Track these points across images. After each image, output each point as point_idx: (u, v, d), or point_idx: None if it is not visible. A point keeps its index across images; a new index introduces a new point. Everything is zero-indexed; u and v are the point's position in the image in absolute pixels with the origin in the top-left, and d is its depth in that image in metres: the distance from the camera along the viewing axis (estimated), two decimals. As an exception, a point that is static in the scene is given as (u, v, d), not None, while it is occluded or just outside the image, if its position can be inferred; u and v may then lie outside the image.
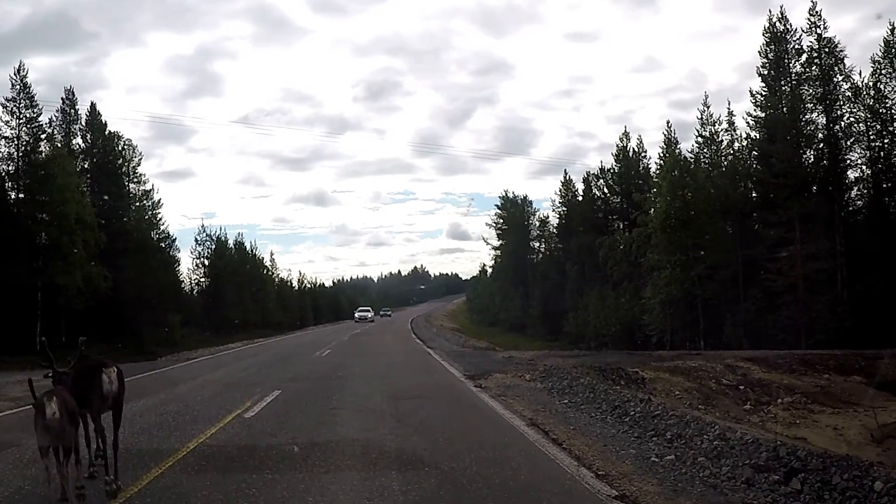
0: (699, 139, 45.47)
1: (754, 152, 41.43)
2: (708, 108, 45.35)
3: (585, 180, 62.61)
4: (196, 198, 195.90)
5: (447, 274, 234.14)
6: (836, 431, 15.92)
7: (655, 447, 8.42)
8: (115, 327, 41.89)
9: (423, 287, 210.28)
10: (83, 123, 49.05)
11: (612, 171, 58.85)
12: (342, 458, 7.85)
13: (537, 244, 79.54)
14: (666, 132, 51.08)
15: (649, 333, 43.34)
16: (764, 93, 38.89)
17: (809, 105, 36.54)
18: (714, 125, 45.08)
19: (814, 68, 36.43)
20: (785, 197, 34.14)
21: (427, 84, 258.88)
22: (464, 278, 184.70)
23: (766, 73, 38.77)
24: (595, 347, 51.48)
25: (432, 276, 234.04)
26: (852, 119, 35.80)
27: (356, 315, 78.08)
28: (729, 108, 45.17)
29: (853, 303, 32.91)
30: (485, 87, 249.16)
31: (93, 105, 50.41)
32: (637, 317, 46.78)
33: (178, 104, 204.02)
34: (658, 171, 48.17)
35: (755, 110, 39.31)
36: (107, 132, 49.93)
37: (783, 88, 38.12)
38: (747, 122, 40.05)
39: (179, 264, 60.30)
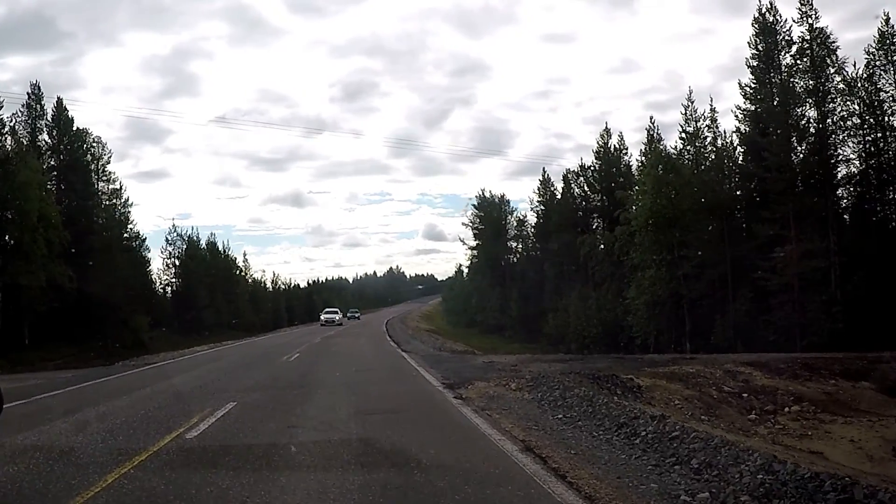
0: (683, 135, 44.22)
1: (740, 149, 40.21)
2: (692, 103, 44.06)
3: (565, 178, 61.35)
4: (172, 199, 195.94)
5: (423, 275, 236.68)
6: (854, 444, 14.38)
7: (682, 480, 6.75)
8: (82, 329, 40.65)
9: (399, 288, 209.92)
10: (49, 119, 47.63)
11: (592, 168, 57.46)
12: (292, 499, 6.16)
13: (515, 244, 78.04)
14: (649, 128, 49.98)
15: (633, 335, 41.86)
16: (753, 85, 37.58)
17: (801, 97, 35.20)
18: (698, 122, 43.89)
19: (805, 60, 35.07)
20: (779, 192, 32.77)
21: (404, 85, 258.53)
22: (440, 279, 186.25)
23: (755, 64, 37.44)
24: (576, 350, 50.02)
25: (408, 276, 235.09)
26: (845, 112, 34.49)
27: (321, 318, 66.58)
28: (711, 106, 43.48)
29: (846, 303, 31.64)
30: (462, 88, 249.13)
31: (59, 101, 49.09)
32: (620, 318, 45.37)
33: (154, 104, 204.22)
34: (641, 168, 46.92)
35: (745, 103, 38.04)
36: (74, 129, 48.65)
37: (773, 81, 36.78)
38: (736, 116, 38.83)
39: (150, 265, 59.86)
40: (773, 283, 32.96)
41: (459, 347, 34.57)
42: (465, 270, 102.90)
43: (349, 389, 14.37)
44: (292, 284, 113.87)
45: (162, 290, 64.02)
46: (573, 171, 59.47)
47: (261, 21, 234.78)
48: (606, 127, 56.35)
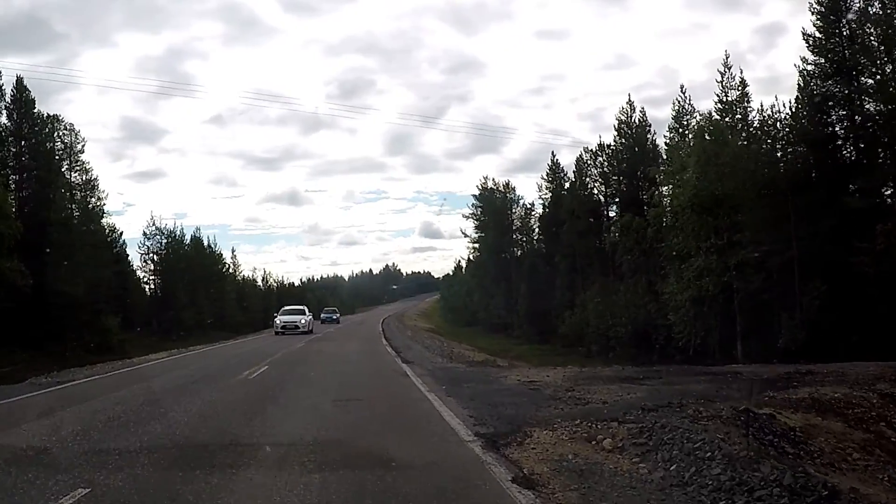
0: (719, 105, 37.93)
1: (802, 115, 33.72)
2: (729, 69, 37.74)
3: (579, 161, 54.49)
4: (167, 199, 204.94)
5: (419, 272, 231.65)
6: None
7: None
8: (38, 332, 36.26)
9: (395, 286, 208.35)
10: (8, 101, 42.51)
11: (611, 148, 50.91)
12: None
13: (521, 236, 71.42)
14: (679, 99, 43.51)
15: (674, 336, 35.42)
16: (820, 34, 31.34)
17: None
18: (737, 89, 37.61)
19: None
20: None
21: (399, 82, 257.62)
22: (436, 276, 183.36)
23: (822, 10, 31.20)
24: (598, 352, 43.96)
25: (404, 274, 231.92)
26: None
27: (278, 321, 43.31)
28: (742, 78, 36.93)
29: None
30: (456, 86, 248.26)
31: (19, 80, 43.56)
32: (653, 316, 39.07)
33: (149, 105, 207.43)
34: (672, 143, 40.77)
35: (813, 57, 31.68)
36: (35, 111, 43.74)
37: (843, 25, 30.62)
38: (802, 73, 32.40)
39: (130, 261, 56.88)
40: (862, 271, 26.40)
41: (472, 354, 28.25)
42: (466, 266, 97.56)
43: (314, 455, 7.88)
44: (285, 282, 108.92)
45: (142, 289, 59.43)
46: (592, 149, 52.79)
47: (255, 20, 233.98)
48: (629, 100, 49.71)
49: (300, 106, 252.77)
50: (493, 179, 73.88)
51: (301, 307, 49.11)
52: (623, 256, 42.42)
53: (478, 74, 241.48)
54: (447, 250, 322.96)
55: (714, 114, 37.33)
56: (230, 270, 79.59)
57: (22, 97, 43.15)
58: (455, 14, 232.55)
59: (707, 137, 34.10)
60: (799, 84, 33.28)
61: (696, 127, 36.26)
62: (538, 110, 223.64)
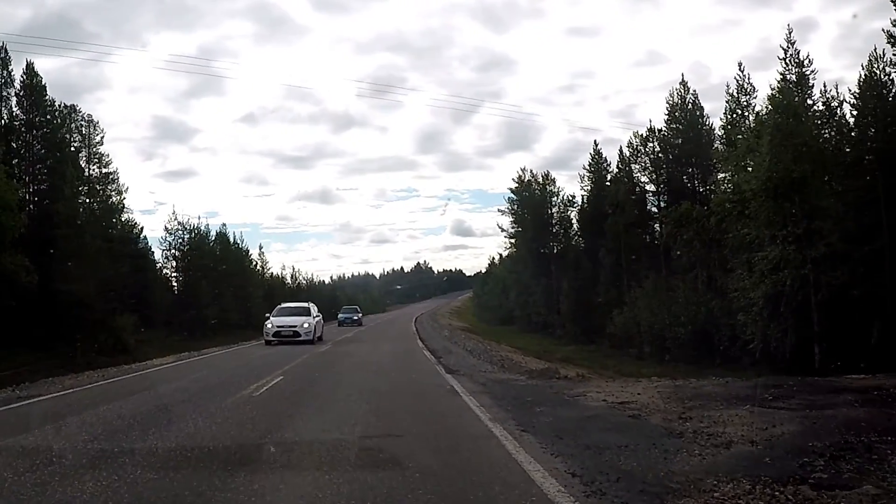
0: (781, 83, 34.05)
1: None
2: (793, 44, 33.90)
3: (630, 145, 50.31)
4: (198, 198, 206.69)
5: (451, 270, 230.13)
6: None
7: None
8: (44, 332, 34.04)
9: (426, 284, 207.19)
10: (18, 88, 39.86)
11: (661, 133, 46.90)
12: None
13: (561, 230, 67.40)
14: (738, 77, 39.51)
15: (742, 337, 31.52)
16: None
17: None
18: (804, 65, 33.81)
19: None
20: None
21: (429, 81, 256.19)
22: (468, 274, 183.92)
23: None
24: (651, 354, 40.27)
25: (436, 272, 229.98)
26: None
27: (270, 325, 30.93)
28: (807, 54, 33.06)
29: None
30: (487, 83, 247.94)
31: (29, 66, 40.84)
32: (715, 314, 35.26)
33: (180, 104, 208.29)
34: (730, 125, 37.04)
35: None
36: (47, 99, 41.19)
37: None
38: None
39: (155, 258, 54.52)
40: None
41: (520, 359, 24.61)
42: (501, 262, 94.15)
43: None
44: (315, 280, 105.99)
45: (166, 287, 55.78)
46: (641, 134, 48.68)
47: (285, 19, 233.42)
48: (683, 80, 45.61)
49: (331, 104, 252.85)
50: (531, 171, 69.92)
51: (304, 304, 34.80)
52: (680, 249, 38.45)
53: (509, 72, 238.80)
54: (479, 248, 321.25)
55: (779, 91, 33.52)
56: (258, 267, 76.16)
57: (33, 83, 40.58)
58: (486, 11, 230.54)
59: (779, 114, 30.27)
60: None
61: (766, 103, 32.29)
62: (569, 108, 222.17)
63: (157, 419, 10.01)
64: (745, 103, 38.40)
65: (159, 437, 8.58)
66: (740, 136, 33.85)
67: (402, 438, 8.42)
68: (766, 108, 31.88)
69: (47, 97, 41.11)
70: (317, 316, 33.31)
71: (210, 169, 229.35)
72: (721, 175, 37.31)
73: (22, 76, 40.30)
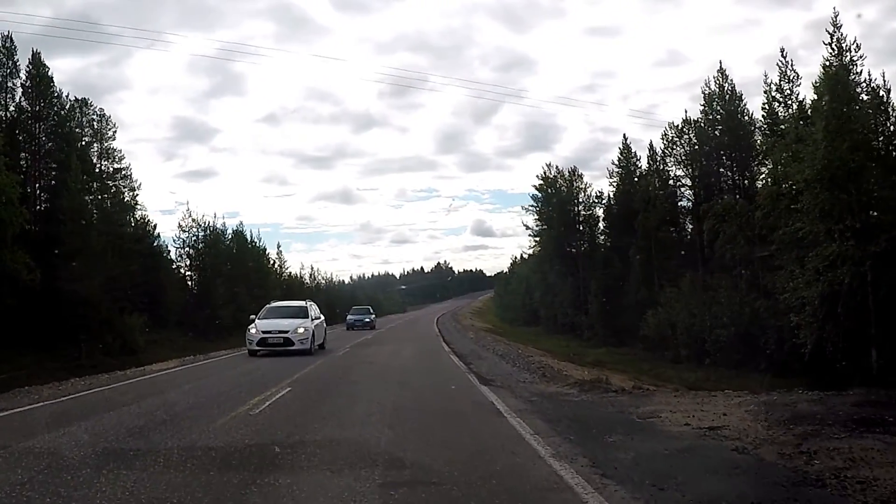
0: (827, 68, 31.60)
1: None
2: (839, 28, 31.11)
3: (665, 137, 47.50)
4: (219, 198, 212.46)
5: (471, 270, 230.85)
6: None
7: None
8: (49, 332, 32.19)
9: (446, 284, 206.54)
10: (24, 79, 38.08)
11: (698, 124, 44.20)
12: None
13: (588, 227, 64.78)
14: (781, 63, 36.85)
15: (798, 341, 28.89)
16: None
17: None
18: (850, 51, 31.15)
19: None
20: None
21: (449, 81, 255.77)
22: (488, 275, 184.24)
23: None
24: (688, 357, 37.82)
25: (456, 272, 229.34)
26: None
27: (254, 329, 24.86)
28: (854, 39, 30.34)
29: None
30: (507, 83, 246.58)
31: (35, 56, 39.03)
32: (761, 315, 32.76)
33: (200, 104, 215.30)
34: (773, 115, 34.62)
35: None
36: (54, 90, 39.55)
37: None
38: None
39: (171, 257, 52.18)
40: None
41: (563, 367, 22.02)
42: (524, 261, 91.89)
43: None
44: (332, 280, 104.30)
45: (181, 286, 53.61)
46: (677, 125, 45.99)
47: (306, 19, 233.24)
48: (721, 67, 42.89)
49: (352, 104, 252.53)
50: (556, 167, 67.40)
51: (300, 303, 28.15)
52: (724, 246, 35.84)
53: (529, 72, 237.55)
54: (499, 249, 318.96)
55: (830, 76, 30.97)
56: (275, 266, 74.22)
57: (38, 73, 38.84)
58: (506, 11, 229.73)
59: (833, 100, 27.74)
60: None
61: (818, 86, 29.73)
62: (590, 108, 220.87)
63: (115, 457, 7.61)
64: (787, 91, 36.11)
65: (117, 481, 6.34)
66: (784, 126, 31.41)
67: (440, 489, 6.12)
68: (816, 94, 29.36)
69: (54, 88, 39.52)
70: (317, 318, 26.78)
71: (231, 169, 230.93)
72: (765, 168, 34.88)
73: (28, 66, 38.71)
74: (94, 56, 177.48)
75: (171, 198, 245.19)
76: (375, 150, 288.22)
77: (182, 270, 53.90)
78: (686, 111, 44.49)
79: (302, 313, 25.58)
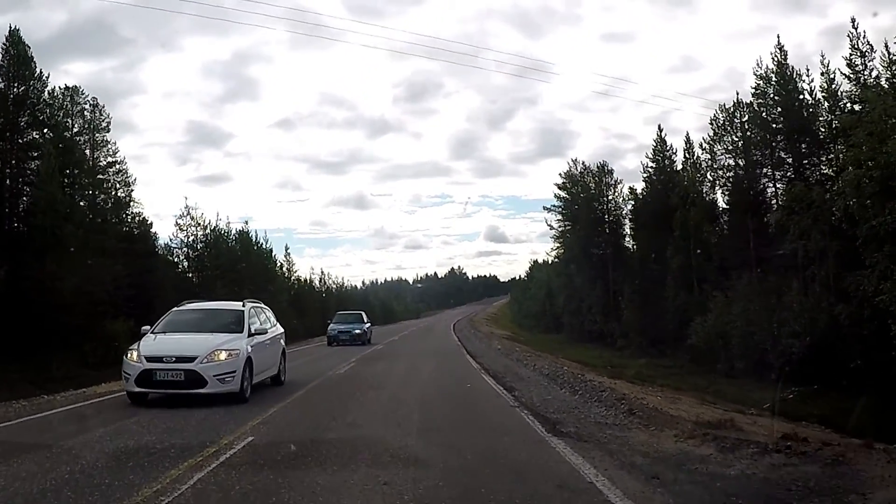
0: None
1: None
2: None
3: (713, 122, 42.41)
4: (232, 202, 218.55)
5: (485, 276, 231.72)
6: None
7: None
8: (16, 342, 29.28)
9: (460, 289, 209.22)
10: (2, 61, 35.29)
11: (751, 106, 39.14)
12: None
13: (618, 227, 59.93)
14: (851, 35, 32.22)
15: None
16: None
17: None
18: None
19: None
20: None
21: (464, 86, 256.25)
22: (502, 280, 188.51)
23: None
24: (744, 372, 32.81)
25: (470, 278, 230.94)
26: None
27: (139, 349, 12.82)
28: None
29: None
30: (522, 89, 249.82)
31: (13, 33, 36.07)
32: (842, 323, 27.75)
33: (214, 109, 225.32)
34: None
35: None
36: (35, 73, 36.36)
37: None
38: None
39: (174, 259, 49.48)
40: None
41: (643, 397, 16.08)
42: (546, 265, 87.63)
43: None
44: (346, 284, 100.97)
45: (181, 289, 49.43)
46: (728, 108, 40.75)
47: (320, 24, 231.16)
48: (778, 41, 37.90)
49: (366, 109, 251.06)
50: (583, 163, 62.59)
51: (230, 306, 15.40)
52: (796, 241, 30.75)
53: (543, 78, 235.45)
54: (512, 254, 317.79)
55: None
56: (283, 269, 69.96)
57: (17, 51, 35.40)
58: (521, 17, 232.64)
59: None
60: None
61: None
62: (604, 113, 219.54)
63: None
64: (858, 66, 31.65)
65: None
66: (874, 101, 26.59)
67: None
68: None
69: (35, 70, 36.10)
70: (262, 332, 14.65)
71: (244, 174, 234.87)
72: (841, 151, 30.10)
73: (4, 44, 35.38)
74: (109, 60, 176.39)
75: (184, 202, 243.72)
76: (390, 156, 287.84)
77: (180, 272, 50.04)
78: (737, 93, 38.99)
79: (233, 324, 14.09)
